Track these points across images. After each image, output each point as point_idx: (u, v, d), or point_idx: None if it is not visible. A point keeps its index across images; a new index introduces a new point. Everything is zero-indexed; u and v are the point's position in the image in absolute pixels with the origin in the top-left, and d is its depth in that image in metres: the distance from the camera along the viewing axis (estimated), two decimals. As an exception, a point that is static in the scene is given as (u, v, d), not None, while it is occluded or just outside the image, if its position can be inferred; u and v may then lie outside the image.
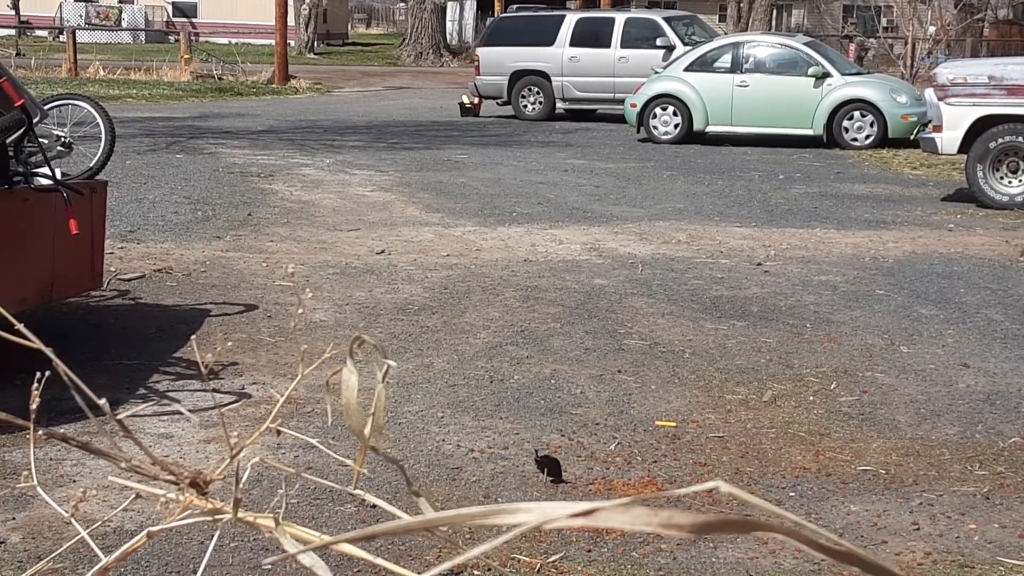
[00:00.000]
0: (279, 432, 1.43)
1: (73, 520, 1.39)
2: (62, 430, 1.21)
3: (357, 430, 1.26)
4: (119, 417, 1.10)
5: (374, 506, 4.77)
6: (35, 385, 1.26)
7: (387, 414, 1.44)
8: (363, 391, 1.36)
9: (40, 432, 1.18)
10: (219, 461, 5.26)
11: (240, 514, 1.14)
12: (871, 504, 4.91)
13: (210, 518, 1.15)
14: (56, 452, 5.25)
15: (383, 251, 9.90)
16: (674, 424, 5.84)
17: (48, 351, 1.11)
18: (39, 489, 1.54)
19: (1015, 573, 4.32)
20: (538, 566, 4.27)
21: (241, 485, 1.19)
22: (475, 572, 4.20)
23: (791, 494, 5.00)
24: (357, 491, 1.39)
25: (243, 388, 6.31)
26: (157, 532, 1.19)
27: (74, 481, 4.97)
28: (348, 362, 1.25)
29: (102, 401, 1.10)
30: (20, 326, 1.17)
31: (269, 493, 4.70)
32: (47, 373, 1.27)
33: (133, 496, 1.34)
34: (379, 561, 1.15)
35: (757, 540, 4.51)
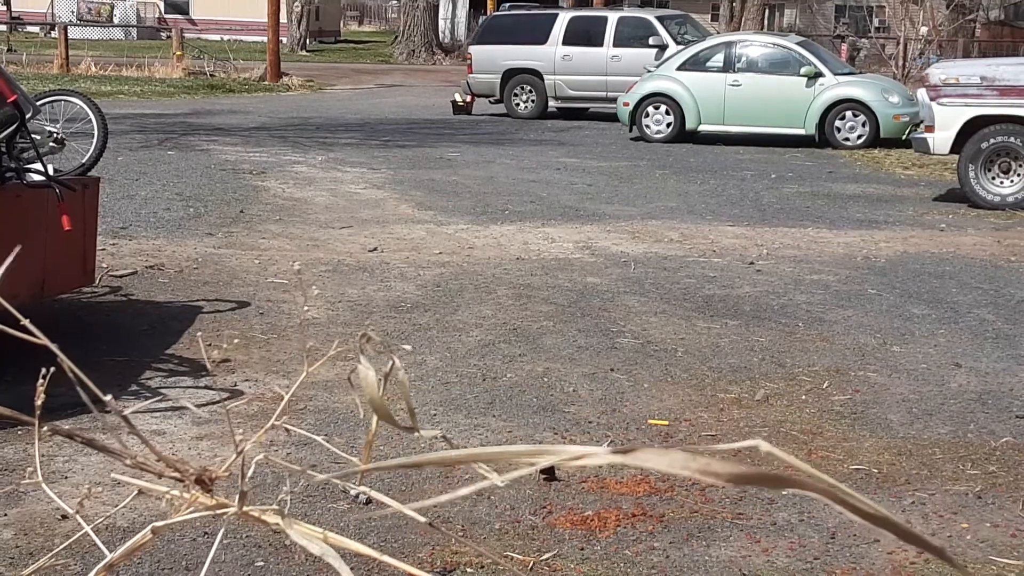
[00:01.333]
0: (288, 430, 1.42)
1: (78, 516, 1.39)
2: (67, 426, 1.21)
3: (387, 418, 1.26)
4: (124, 413, 1.10)
5: (369, 502, 4.77)
6: (40, 381, 1.26)
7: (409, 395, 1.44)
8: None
9: (44, 428, 1.18)
10: (223, 459, 5.24)
11: (245, 508, 1.13)
12: (863, 503, 4.91)
13: (213, 512, 1.15)
14: (48, 448, 5.24)
15: (376, 248, 9.89)
16: (667, 423, 5.85)
17: (53, 347, 1.10)
18: (44, 486, 1.54)
19: (1007, 572, 4.33)
20: (531, 564, 4.27)
21: (246, 481, 1.19)
22: (468, 569, 4.20)
23: (783, 493, 5.00)
24: (362, 487, 1.39)
25: (235, 385, 6.31)
26: (162, 528, 1.19)
27: (66, 477, 4.96)
28: (362, 359, 1.24)
29: (108, 397, 1.10)
30: (26, 322, 1.17)
31: (264, 491, 4.69)
32: (52, 369, 1.26)
33: (135, 493, 1.34)
34: (386, 559, 1.15)
35: (751, 539, 4.51)
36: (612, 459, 0.80)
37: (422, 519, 0.98)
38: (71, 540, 2.30)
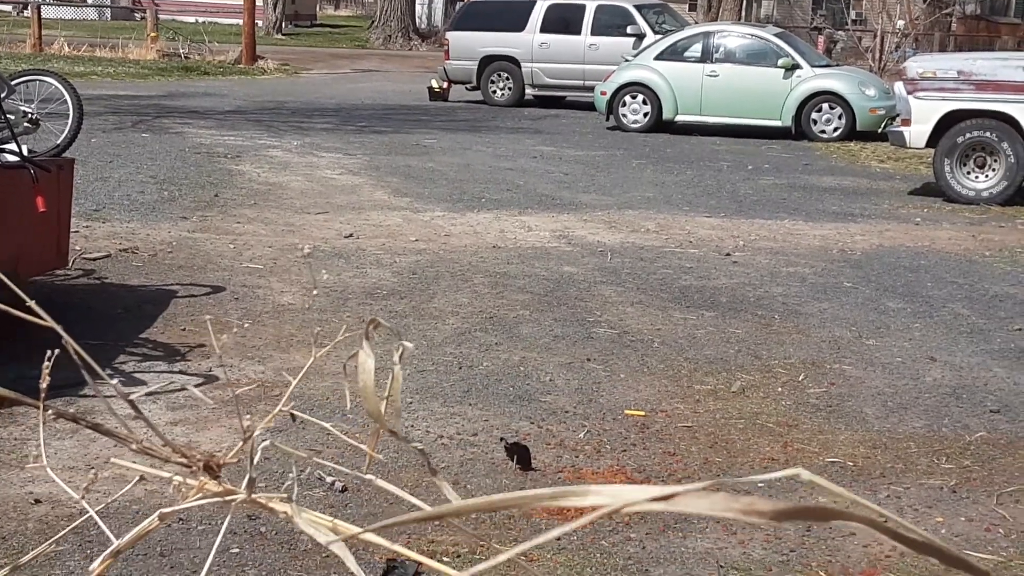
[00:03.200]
0: (293, 416, 1.40)
1: (84, 502, 1.37)
2: (71, 410, 1.19)
3: (375, 414, 1.24)
4: (131, 397, 1.08)
5: (344, 489, 4.74)
6: (45, 364, 1.23)
7: (400, 396, 1.42)
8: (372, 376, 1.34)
9: (49, 412, 1.16)
10: (216, 444, 5.21)
11: (254, 496, 1.12)
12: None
13: (222, 499, 1.13)
14: (21, 432, 5.20)
15: (351, 235, 9.86)
16: (643, 413, 5.85)
17: (59, 328, 1.08)
18: (49, 470, 1.52)
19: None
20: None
21: (254, 467, 1.17)
22: (444, 559, 4.18)
23: (759, 485, 5.01)
24: (368, 476, 1.37)
25: (210, 370, 6.27)
26: (169, 514, 1.18)
27: (39, 462, 4.92)
28: (365, 345, 1.22)
29: (114, 381, 1.08)
30: (32, 303, 1.15)
31: (265, 477, 4.66)
32: (56, 351, 1.24)
33: (138, 478, 1.32)
34: (407, 552, 1.14)
35: (727, 530, 4.52)
36: (652, 507, 0.79)
37: (425, 506, 0.97)
38: (74, 525, 2.28)
